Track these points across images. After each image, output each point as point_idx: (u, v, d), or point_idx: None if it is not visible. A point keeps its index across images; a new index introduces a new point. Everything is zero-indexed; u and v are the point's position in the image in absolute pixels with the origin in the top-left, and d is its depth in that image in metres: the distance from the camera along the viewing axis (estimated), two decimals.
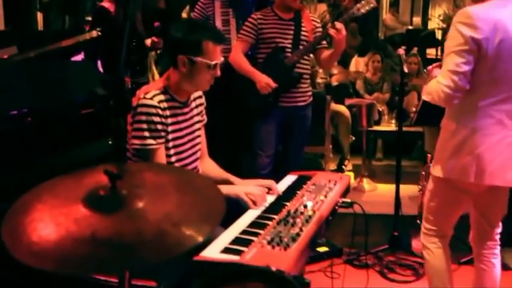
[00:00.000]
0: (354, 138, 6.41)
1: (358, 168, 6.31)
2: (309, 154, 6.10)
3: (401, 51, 4.35)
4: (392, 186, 4.47)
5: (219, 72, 2.75)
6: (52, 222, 1.24)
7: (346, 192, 3.11)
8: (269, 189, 2.93)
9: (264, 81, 4.14)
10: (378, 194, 5.87)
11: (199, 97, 3.01)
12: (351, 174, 6.14)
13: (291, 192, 2.93)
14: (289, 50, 4.26)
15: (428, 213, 3.12)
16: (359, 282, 3.74)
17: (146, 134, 2.63)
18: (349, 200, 2.96)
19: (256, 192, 2.76)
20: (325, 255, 4.16)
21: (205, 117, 3.08)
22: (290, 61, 4.22)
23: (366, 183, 5.98)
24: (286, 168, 3.59)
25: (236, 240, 2.32)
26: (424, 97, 2.93)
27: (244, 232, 2.41)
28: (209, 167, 3.08)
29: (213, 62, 2.68)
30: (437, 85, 2.72)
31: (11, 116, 2.87)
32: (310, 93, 4.51)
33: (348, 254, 4.14)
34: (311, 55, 4.57)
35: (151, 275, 2.43)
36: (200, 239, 1.22)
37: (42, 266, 1.15)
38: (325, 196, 2.82)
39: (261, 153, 4.41)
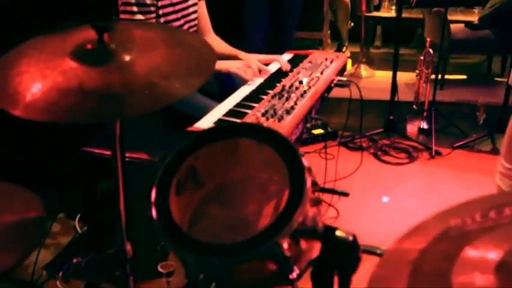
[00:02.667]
0: (352, 24, 6.28)
1: (356, 55, 6.22)
2: (306, 40, 6.01)
3: None
4: (390, 73, 4.42)
5: None
6: (39, 74, 1.21)
7: (342, 71, 3.07)
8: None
9: None
10: (374, 81, 5.82)
11: None
12: (349, 61, 6.06)
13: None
14: None
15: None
16: (353, 163, 3.78)
17: (135, 8, 2.54)
18: (345, 79, 2.92)
19: (246, 65, 2.73)
20: (320, 138, 4.18)
21: None
22: None
23: (363, 70, 5.92)
24: (280, 51, 3.52)
25: (230, 113, 2.31)
26: None
27: (238, 105, 2.40)
28: (215, 43, 3.00)
29: None
30: None
31: None
32: None
33: (343, 136, 4.15)
34: None
35: (145, 148, 2.44)
36: (188, 91, 1.20)
37: (30, 116, 1.13)
38: (321, 73, 2.78)
39: (251, 28, 4.31)
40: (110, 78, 1.18)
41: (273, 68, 2.95)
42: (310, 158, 3.89)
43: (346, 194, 3.40)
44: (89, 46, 1.25)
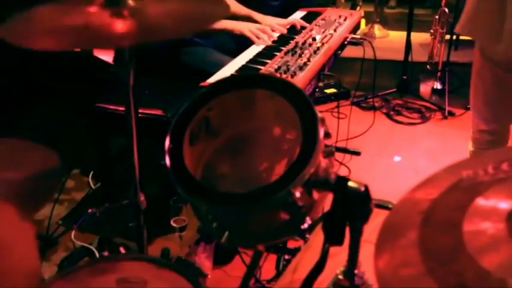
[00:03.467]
0: None
1: (369, 15, 6.13)
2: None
3: None
4: (404, 34, 4.38)
5: None
6: (56, 16, 1.23)
7: (356, 28, 3.05)
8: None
9: None
10: (388, 41, 5.76)
11: None
12: (362, 20, 5.98)
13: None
14: None
15: None
16: (365, 123, 3.78)
17: None
18: (358, 36, 2.90)
19: (260, 28, 2.71)
20: (333, 97, 4.16)
21: None
22: None
23: (377, 30, 5.85)
24: (295, 7, 3.48)
25: (243, 68, 2.31)
26: None
27: (251, 61, 2.39)
28: (230, 2, 2.98)
29: None
30: None
31: None
32: None
33: (355, 96, 4.13)
34: None
35: (159, 104, 2.44)
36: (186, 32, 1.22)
37: (41, 46, 1.16)
38: (335, 30, 2.76)
39: None
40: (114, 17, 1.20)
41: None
42: None
43: (358, 153, 3.34)
44: None
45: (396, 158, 3.52)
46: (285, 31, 2.83)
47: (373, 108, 4.10)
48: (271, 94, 1.23)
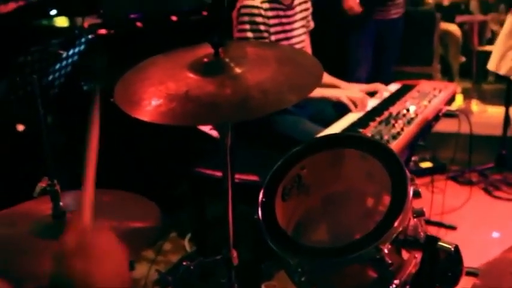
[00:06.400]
0: (464, 58, 6.15)
1: (467, 91, 6.07)
2: (415, 74, 5.94)
3: None
4: (502, 109, 4.30)
5: None
6: (157, 80, 1.33)
7: (451, 100, 3.04)
8: (373, 95, 2.93)
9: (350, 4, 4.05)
10: (486, 116, 5.64)
11: (305, 2, 2.98)
12: (460, 97, 5.93)
13: (394, 98, 2.91)
14: None
15: None
16: (461, 197, 3.69)
17: (249, 34, 2.67)
18: (454, 109, 2.90)
19: (357, 95, 2.77)
20: (428, 171, 4.10)
21: (311, 23, 3.07)
22: None
23: (474, 105, 5.76)
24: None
25: None
26: None
27: (345, 130, 2.44)
28: None
29: None
30: None
31: (127, 20, 3.00)
32: (402, 4, 4.36)
33: (451, 170, 4.06)
34: None
35: (254, 171, 2.52)
36: (283, 106, 1.27)
37: (139, 115, 1.25)
38: (429, 102, 2.78)
39: (357, 67, 4.35)
40: (213, 88, 1.28)
41: (384, 94, 2.99)
42: None
43: (453, 228, 3.33)
44: (205, 59, 1.36)
45: (495, 234, 3.40)
46: (378, 101, 2.88)
47: (469, 182, 4.00)
48: (362, 154, 1.28)
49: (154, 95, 1.27)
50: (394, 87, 3.21)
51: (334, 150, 1.31)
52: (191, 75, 1.31)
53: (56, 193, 1.39)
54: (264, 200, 1.22)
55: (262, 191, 1.23)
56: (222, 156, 1.68)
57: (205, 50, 1.38)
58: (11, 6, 2.78)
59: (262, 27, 2.68)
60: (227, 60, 1.33)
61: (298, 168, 1.29)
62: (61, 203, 1.40)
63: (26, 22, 2.87)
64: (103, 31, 2.82)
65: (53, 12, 3.02)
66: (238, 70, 1.32)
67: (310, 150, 1.30)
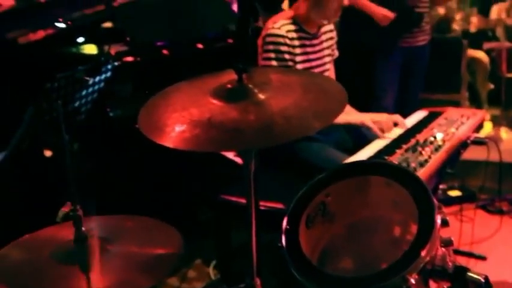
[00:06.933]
0: (492, 86, 6.08)
1: (496, 118, 5.98)
2: (443, 102, 5.88)
3: None
4: None
5: (346, 1, 2.73)
6: (180, 106, 1.33)
7: (479, 127, 2.99)
8: (396, 124, 2.89)
9: (381, 13, 3.99)
10: None
11: (330, 31, 2.98)
12: (489, 124, 5.84)
13: (421, 125, 2.87)
14: None
15: None
16: (491, 227, 3.62)
17: (274, 63, 2.67)
18: (482, 136, 2.85)
19: (382, 119, 2.74)
20: (457, 200, 4.03)
21: (336, 51, 3.07)
22: (410, 3, 4.05)
23: (504, 132, 5.66)
24: (405, 111, 3.48)
25: None
26: None
27: (371, 157, 2.41)
28: None
29: None
30: None
31: (154, 47, 3.03)
32: (429, 31, 4.32)
33: (480, 199, 3.98)
34: None
35: (279, 198, 2.50)
36: (307, 132, 1.26)
37: (163, 142, 1.24)
38: (457, 129, 2.74)
39: (383, 95, 4.30)
40: (236, 114, 1.27)
41: (411, 121, 2.96)
42: None
43: (483, 258, 3.26)
44: (229, 85, 1.35)
45: None
46: (406, 126, 2.85)
47: (500, 211, 3.91)
48: (388, 181, 1.26)
49: (178, 121, 1.27)
50: (421, 114, 3.17)
51: (359, 177, 1.29)
52: (214, 101, 1.31)
53: (79, 218, 1.39)
54: (288, 227, 1.20)
55: (286, 219, 1.21)
56: (246, 183, 1.66)
57: (229, 77, 1.38)
58: (40, 34, 2.83)
59: (287, 56, 2.67)
60: (251, 86, 1.32)
61: (323, 196, 1.27)
62: (83, 228, 1.40)
63: (55, 50, 2.92)
64: (129, 58, 2.85)
65: (81, 39, 3.07)
66: (261, 96, 1.31)
67: (335, 177, 1.28)
